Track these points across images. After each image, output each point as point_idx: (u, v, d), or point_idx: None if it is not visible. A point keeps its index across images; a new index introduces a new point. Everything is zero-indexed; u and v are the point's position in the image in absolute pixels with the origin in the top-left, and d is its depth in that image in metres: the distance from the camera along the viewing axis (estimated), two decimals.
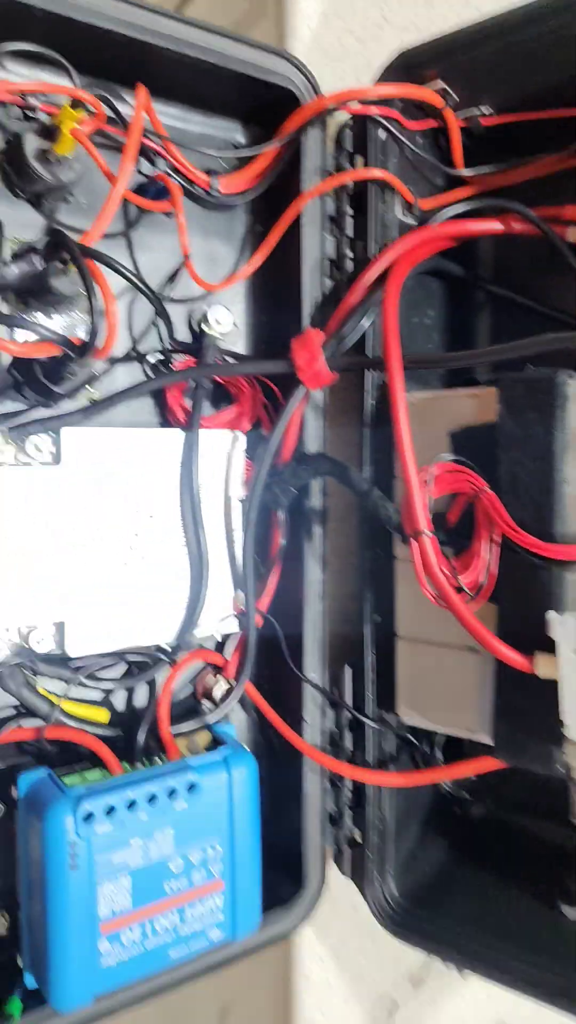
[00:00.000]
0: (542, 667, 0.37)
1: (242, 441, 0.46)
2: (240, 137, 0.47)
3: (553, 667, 0.36)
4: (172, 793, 0.38)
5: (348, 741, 0.48)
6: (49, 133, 0.33)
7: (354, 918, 0.57)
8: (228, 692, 0.47)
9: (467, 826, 0.55)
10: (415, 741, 0.49)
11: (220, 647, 0.48)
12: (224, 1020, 0.61)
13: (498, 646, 0.37)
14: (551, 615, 0.36)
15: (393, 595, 0.47)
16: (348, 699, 0.48)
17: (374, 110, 0.45)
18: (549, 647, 0.36)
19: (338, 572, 0.52)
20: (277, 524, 0.47)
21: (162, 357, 0.44)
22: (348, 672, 0.48)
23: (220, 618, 0.46)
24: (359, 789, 0.48)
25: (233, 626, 0.46)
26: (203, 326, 0.45)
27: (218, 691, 0.47)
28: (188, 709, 0.48)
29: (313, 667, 0.47)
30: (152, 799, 0.38)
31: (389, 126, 0.46)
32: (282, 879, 0.48)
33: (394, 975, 0.60)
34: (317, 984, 0.54)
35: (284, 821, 0.48)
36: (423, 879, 0.51)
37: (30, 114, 0.34)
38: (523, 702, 0.38)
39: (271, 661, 0.48)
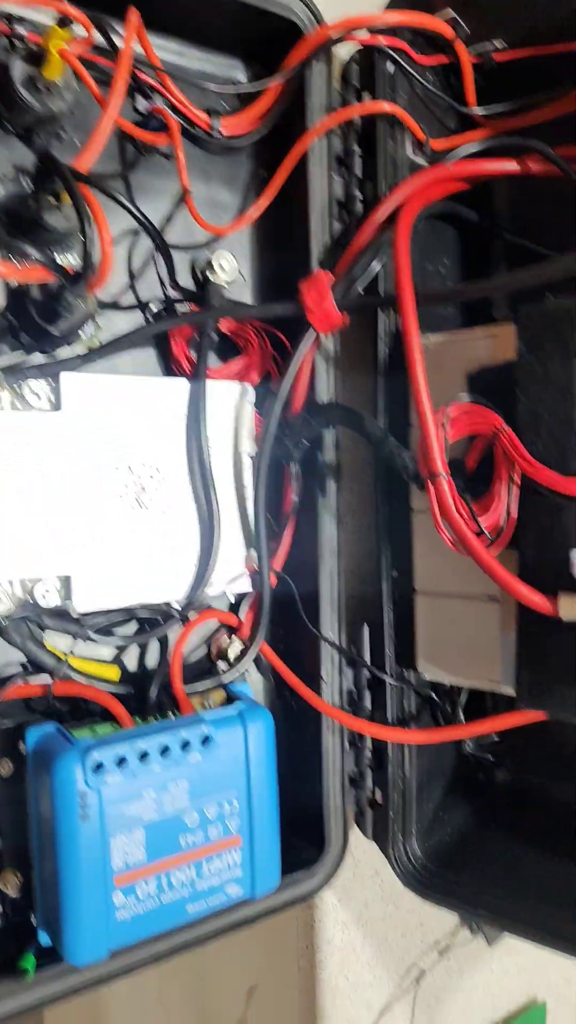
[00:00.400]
0: (565, 608, 0.35)
1: (251, 394, 0.45)
2: (241, 76, 0.46)
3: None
4: (186, 746, 0.38)
5: (367, 701, 0.47)
6: (37, 59, 0.32)
7: (377, 884, 0.56)
8: (243, 652, 0.46)
9: (491, 791, 0.53)
10: (436, 699, 0.47)
11: (235, 608, 0.47)
12: (251, 989, 0.61)
13: (520, 588, 0.35)
14: (575, 553, 0.34)
15: (410, 550, 0.45)
16: (367, 657, 0.47)
17: (381, 40, 0.43)
18: (573, 588, 0.35)
19: (353, 530, 0.50)
20: (289, 479, 0.45)
21: (165, 305, 0.43)
22: (366, 630, 0.47)
23: (232, 577, 0.45)
24: (380, 749, 0.47)
25: (246, 585, 0.45)
26: (207, 272, 0.43)
27: (232, 651, 0.46)
28: (203, 671, 0.47)
29: (330, 625, 0.46)
30: (165, 751, 0.37)
31: (398, 58, 0.44)
32: (303, 842, 0.47)
33: (420, 943, 0.59)
34: (340, 949, 0.53)
35: (304, 783, 0.47)
36: (447, 841, 0.49)
37: (17, 43, 0.32)
38: (547, 647, 0.37)
39: (287, 621, 0.47)
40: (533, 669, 0.38)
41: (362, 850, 0.54)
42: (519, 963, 0.69)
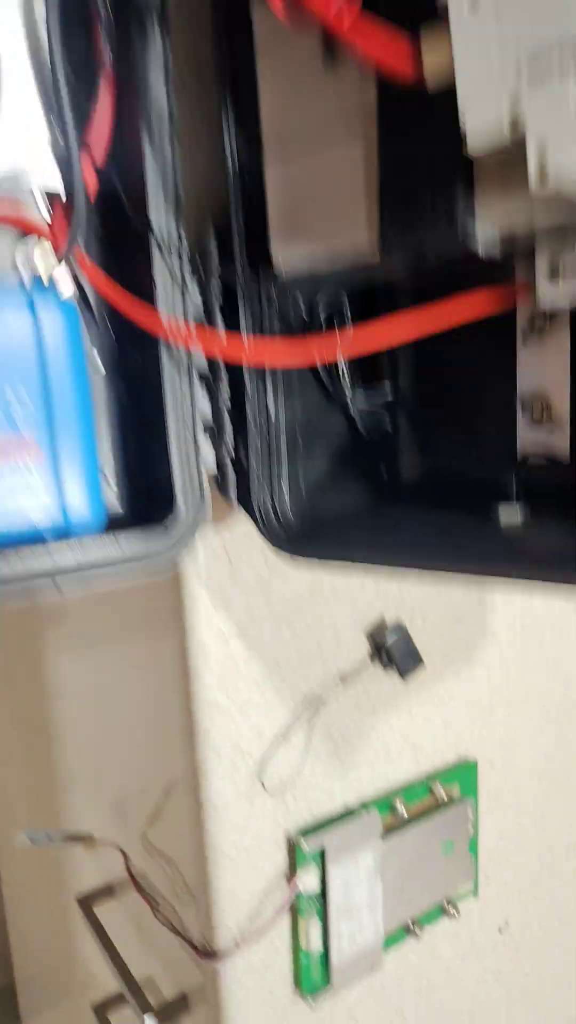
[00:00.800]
0: (428, 51, 0.25)
1: None
2: None
3: (443, 43, 0.25)
4: None
5: (219, 321, 0.38)
6: None
7: (264, 595, 0.49)
8: (55, 266, 0.36)
9: (390, 470, 0.46)
10: (303, 315, 0.38)
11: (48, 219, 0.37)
12: (169, 785, 0.55)
13: (373, 26, 0.25)
14: None
15: (257, 103, 0.35)
16: (214, 264, 0.37)
17: None
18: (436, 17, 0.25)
19: (191, 99, 0.39)
20: (97, 22, 0.34)
21: None
22: (211, 230, 0.37)
23: (24, 154, 0.34)
24: (237, 388, 0.38)
25: (52, 175, 0.35)
26: None
27: (42, 266, 0.36)
28: None
29: (166, 225, 0.36)
30: None
31: None
32: (153, 505, 0.39)
33: (320, 671, 0.53)
34: (220, 663, 0.47)
35: (148, 438, 0.39)
36: (330, 514, 0.42)
37: None
38: (411, 150, 0.27)
39: (113, 228, 0.37)
40: (398, 188, 0.28)
41: (245, 560, 0.47)
42: (447, 718, 0.64)
